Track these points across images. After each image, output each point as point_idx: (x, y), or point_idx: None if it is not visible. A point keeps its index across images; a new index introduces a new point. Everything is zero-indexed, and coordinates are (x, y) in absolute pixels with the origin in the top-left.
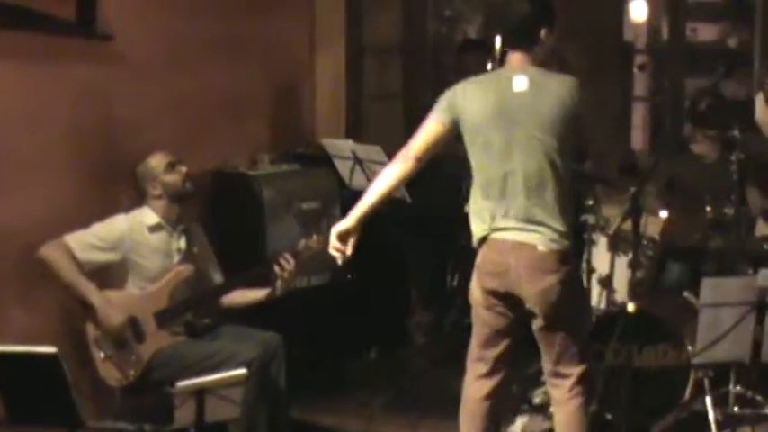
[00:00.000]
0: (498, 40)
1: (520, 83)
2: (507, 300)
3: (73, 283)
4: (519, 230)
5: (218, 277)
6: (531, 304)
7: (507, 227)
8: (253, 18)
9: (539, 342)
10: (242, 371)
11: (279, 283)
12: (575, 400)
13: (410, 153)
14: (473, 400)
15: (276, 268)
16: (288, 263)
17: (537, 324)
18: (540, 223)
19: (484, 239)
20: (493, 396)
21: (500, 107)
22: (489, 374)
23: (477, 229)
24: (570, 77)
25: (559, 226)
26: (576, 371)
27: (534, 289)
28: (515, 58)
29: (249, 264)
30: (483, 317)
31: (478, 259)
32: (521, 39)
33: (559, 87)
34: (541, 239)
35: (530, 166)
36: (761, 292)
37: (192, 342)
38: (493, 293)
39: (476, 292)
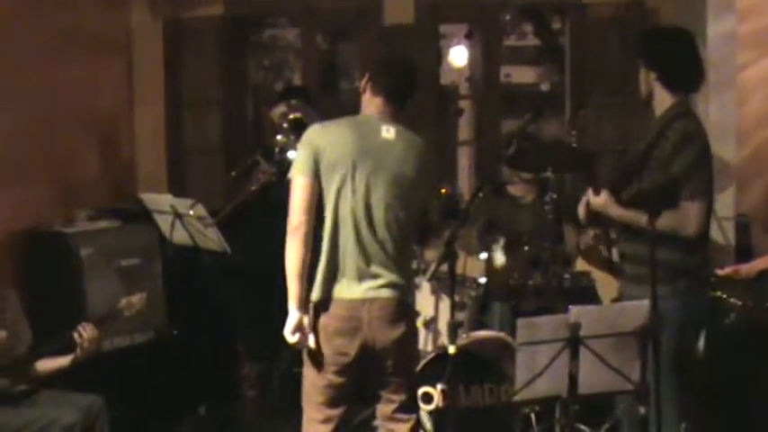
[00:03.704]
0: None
1: (388, 131)
2: (356, 354)
3: None
4: (370, 284)
5: (28, 342)
6: (384, 355)
7: (358, 282)
8: (67, 71)
9: (380, 389)
10: None
11: (78, 351)
12: None
13: (298, 225)
14: None
15: (75, 336)
16: (86, 331)
17: (384, 374)
18: (390, 275)
19: (328, 299)
20: None
21: (365, 147)
22: None
23: (322, 286)
24: (420, 138)
25: (406, 277)
26: (413, 417)
27: (388, 339)
28: (384, 106)
29: (68, 325)
30: (330, 379)
31: (323, 320)
32: (401, 95)
33: (418, 145)
34: (392, 291)
35: (385, 215)
36: (573, 328)
37: (8, 410)
38: (343, 354)
39: (322, 353)
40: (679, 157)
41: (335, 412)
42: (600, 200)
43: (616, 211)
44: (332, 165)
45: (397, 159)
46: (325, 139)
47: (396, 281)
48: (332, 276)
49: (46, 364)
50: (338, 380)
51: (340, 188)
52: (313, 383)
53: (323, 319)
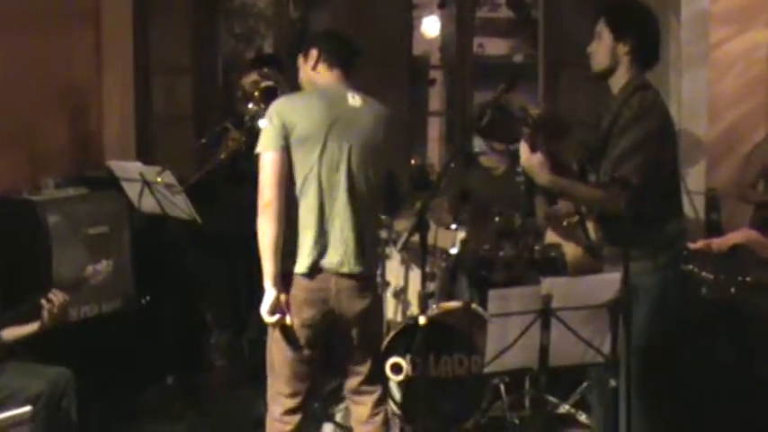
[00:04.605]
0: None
1: (353, 98)
2: (323, 326)
3: None
4: (340, 257)
5: None
6: (350, 326)
7: (329, 255)
8: (35, 37)
9: (346, 362)
10: (26, 409)
11: (46, 316)
12: (378, 418)
13: (269, 201)
14: None
15: (44, 302)
16: (56, 297)
17: (349, 345)
18: (359, 247)
19: (314, 271)
20: (302, 428)
21: (335, 117)
22: (300, 407)
23: (310, 259)
24: (383, 105)
25: (374, 248)
26: (379, 389)
27: (355, 310)
28: (341, 76)
29: (34, 293)
30: (298, 351)
31: (293, 290)
32: (349, 60)
33: (383, 112)
34: (361, 264)
35: (359, 184)
36: (545, 300)
37: None
38: (310, 326)
39: (291, 327)
40: (628, 132)
41: (303, 386)
42: (534, 160)
43: (547, 176)
44: (304, 137)
45: (366, 126)
46: (295, 112)
47: (365, 252)
48: (318, 248)
49: (12, 332)
50: (306, 352)
51: (317, 159)
52: (280, 356)
53: (293, 290)
